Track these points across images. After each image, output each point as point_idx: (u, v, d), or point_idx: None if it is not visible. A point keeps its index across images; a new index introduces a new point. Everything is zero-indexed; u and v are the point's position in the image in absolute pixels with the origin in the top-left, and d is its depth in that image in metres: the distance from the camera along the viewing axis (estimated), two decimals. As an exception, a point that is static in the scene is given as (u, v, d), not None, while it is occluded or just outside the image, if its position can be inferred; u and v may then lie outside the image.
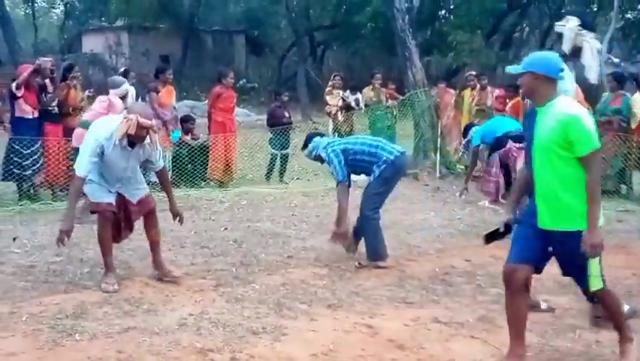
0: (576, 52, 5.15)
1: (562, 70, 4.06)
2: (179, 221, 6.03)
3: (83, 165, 5.34)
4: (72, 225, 5.41)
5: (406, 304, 5.42)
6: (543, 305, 5.22)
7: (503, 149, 8.80)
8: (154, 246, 5.91)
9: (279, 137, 11.35)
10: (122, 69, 12.75)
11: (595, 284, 4.06)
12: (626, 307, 4.85)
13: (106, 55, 31.01)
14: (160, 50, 29.92)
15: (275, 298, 5.43)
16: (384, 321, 5.00)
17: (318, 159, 6.74)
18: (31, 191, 9.49)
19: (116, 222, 5.70)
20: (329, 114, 12.89)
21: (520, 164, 8.11)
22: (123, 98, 8.72)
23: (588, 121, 3.90)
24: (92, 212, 5.81)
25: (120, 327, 4.74)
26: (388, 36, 20.94)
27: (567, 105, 3.99)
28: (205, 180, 10.87)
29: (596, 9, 26.11)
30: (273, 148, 11.48)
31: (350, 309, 5.26)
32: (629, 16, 27.86)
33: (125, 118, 5.34)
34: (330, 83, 13.19)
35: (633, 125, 10.12)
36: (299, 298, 5.47)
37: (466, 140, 10.00)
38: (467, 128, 10.12)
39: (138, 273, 6.08)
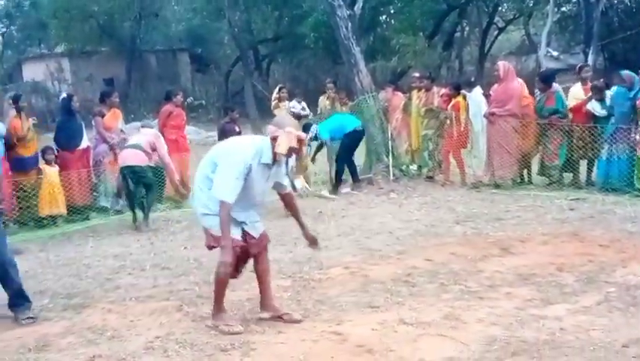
0: None
1: None
2: (314, 247, 5.60)
3: (229, 190, 4.85)
4: (232, 255, 4.97)
5: (372, 308, 5.43)
6: None
7: None
8: (265, 286, 5.37)
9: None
10: (63, 94, 12.52)
11: None
12: None
13: (48, 82, 30.51)
14: (103, 74, 29.61)
15: (241, 314, 5.41)
16: (351, 327, 5.00)
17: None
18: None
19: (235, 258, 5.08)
20: (279, 126, 12.86)
21: None
22: None
23: None
24: (210, 247, 5.21)
25: (85, 356, 4.66)
26: (332, 45, 21.10)
27: None
28: (161, 202, 10.74)
29: (532, 4, 26.67)
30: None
31: (317, 318, 5.26)
32: (564, 9, 28.55)
33: (286, 131, 4.95)
34: (275, 95, 13.14)
35: (571, 116, 10.40)
36: (265, 312, 5.44)
37: (308, 137, 10.45)
38: (306, 127, 10.66)
39: (99, 300, 5.99)
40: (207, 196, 5.03)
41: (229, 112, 11.95)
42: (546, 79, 10.88)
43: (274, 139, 4.98)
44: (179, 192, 10.07)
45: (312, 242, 5.51)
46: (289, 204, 5.50)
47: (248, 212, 5.15)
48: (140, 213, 9.43)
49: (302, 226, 5.48)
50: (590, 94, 10.29)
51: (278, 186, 5.33)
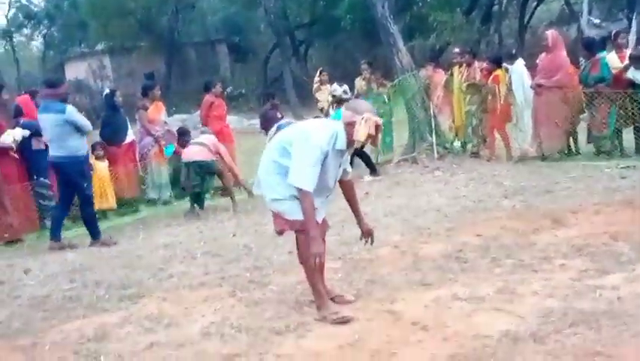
0: None
1: None
2: (368, 239, 5.31)
3: (307, 178, 4.65)
4: (322, 244, 4.87)
5: (424, 285, 5.40)
6: None
7: None
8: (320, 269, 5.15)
9: (276, 138, 11.35)
10: (106, 90, 12.70)
11: None
12: None
13: (90, 80, 30.97)
14: (144, 69, 29.70)
15: (293, 297, 5.42)
16: (404, 305, 4.98)
17: None
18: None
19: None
20: (321, 110, 12.88)
21: None
22: None
23: None
24: (281, 232, 5.10)
25: (144, 344, 4.73)
26: (368, 26, 20.95)
27: None
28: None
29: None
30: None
31: (369, 298, 5.25)
32: (604, -26, 27.87)
33: (364, 118, 4.70)
34: (316, 79, 13.16)
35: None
36: (317, 294, 5.45)
37: None
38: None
39: (153, 290, 6.07)
40: (276, 181, 4.86)
41: (270, 99, 11.95)
42: (589, 46, 10.61)
43: (350, 124, 4.76)
44: (247, 189, 10.24)
45: (368, 234, 5.30)
46: (349, 191, 5.25)
47: (320, 198, 4.90)
48: (195, 204, 9.84)
49: (358, 216, 5.28)
50: (627, 62, 10.05)
51: (342, 173, 5.11)
